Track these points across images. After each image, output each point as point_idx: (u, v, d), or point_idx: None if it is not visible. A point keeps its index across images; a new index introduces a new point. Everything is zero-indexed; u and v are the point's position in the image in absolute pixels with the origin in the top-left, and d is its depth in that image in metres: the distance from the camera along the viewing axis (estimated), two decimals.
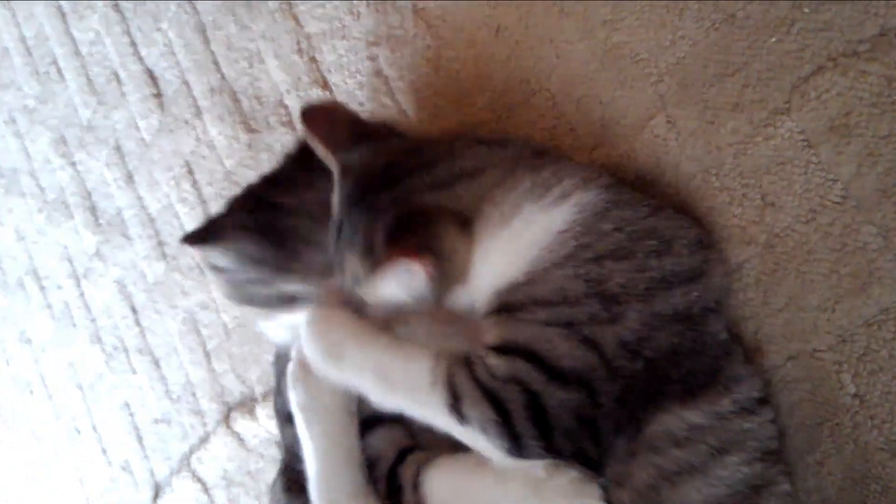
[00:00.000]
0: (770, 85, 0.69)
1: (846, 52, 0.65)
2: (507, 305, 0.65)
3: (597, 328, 0.61)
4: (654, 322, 0.62)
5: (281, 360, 0.88)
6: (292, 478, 0.85)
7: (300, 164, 0.83)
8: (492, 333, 0.65)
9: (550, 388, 0.60)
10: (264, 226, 0.79)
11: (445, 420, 0.63)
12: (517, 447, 0.60)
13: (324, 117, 0.79)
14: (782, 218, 0.70)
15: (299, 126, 1.08)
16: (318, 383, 0.74)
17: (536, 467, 0.63)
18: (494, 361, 0.63)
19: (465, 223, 0.68)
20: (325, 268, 0.75)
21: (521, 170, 0.69)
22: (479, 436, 0.61)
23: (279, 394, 0.89)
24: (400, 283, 0.66)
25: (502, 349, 0.64)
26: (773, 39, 0.69)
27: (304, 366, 0.75)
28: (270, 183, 0.85)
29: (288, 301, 0.80)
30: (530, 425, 0.59)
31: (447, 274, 0.67)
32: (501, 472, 0.64)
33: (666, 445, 0.62)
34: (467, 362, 0.64)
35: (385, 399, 0.67)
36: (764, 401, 0.67)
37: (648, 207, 0.67)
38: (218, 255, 0.82)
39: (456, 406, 0.61)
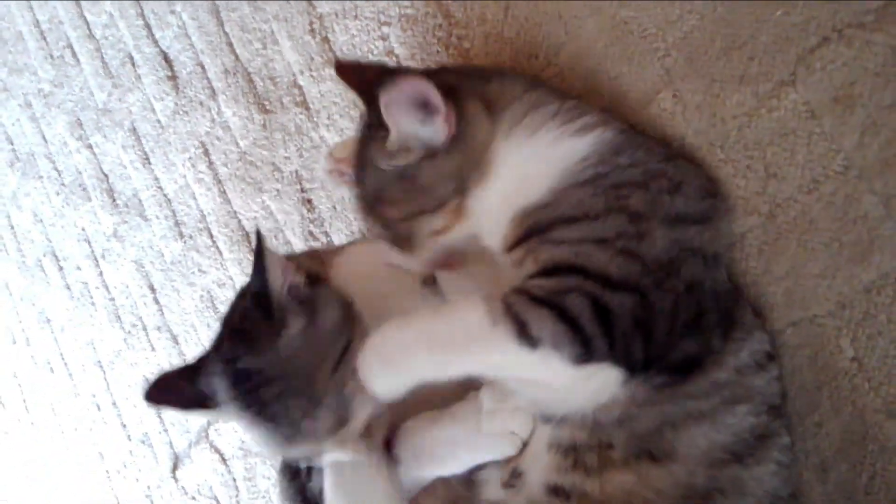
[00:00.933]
0: (776, 57, 0.70)
1: (851, 23, 0.66)
2: (533, 229, 0.66)
3: (628, 243, 0.62)
4: (679, 249, 0.64)
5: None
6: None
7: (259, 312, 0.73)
8: (528, 263, 0.65)
9: (605, 292, 0.61)
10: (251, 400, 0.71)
11: (514, 354, 0.61)
12: (587, 351, 0.60)
13: (353, 68, 0.81)
14: (785, 188, 0.71)
15: (313, 106, 1.10)
16: (360, 481, 0.72)
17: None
18: (545, 283, 0.63)
19: (491, 109, 0.72)
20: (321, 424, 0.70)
21: (549, 94, 0.74)
22: (550, 354, 0.60)
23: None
24: (415, 114, 0.66)
25: (546, 273, 0.64)
26: (780, 12, 0.70)
27: (343, 483, 0.72)
28: (237, 342, 0.75)
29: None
30: (597, 325, 0.60)
31: (465, 141, 0.69)
32: (453, 411, 0.72)
33: (679, 398, 0.64)
34: (521, 291, 0.63)
35: (449, 369, 0.64)
36: (772, 356, 0.70)
37: (661, 153, 0.70)
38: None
39: (524, 332, 0.60)
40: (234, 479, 1.29)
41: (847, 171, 0.68)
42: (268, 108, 1.16)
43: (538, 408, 0.70)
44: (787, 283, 0.72)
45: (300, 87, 1.11)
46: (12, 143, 1.71)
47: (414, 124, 0.68)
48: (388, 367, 0.64)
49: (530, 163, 0.70)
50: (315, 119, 1.10)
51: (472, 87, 0.73)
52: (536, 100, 0.73)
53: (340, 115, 1.07)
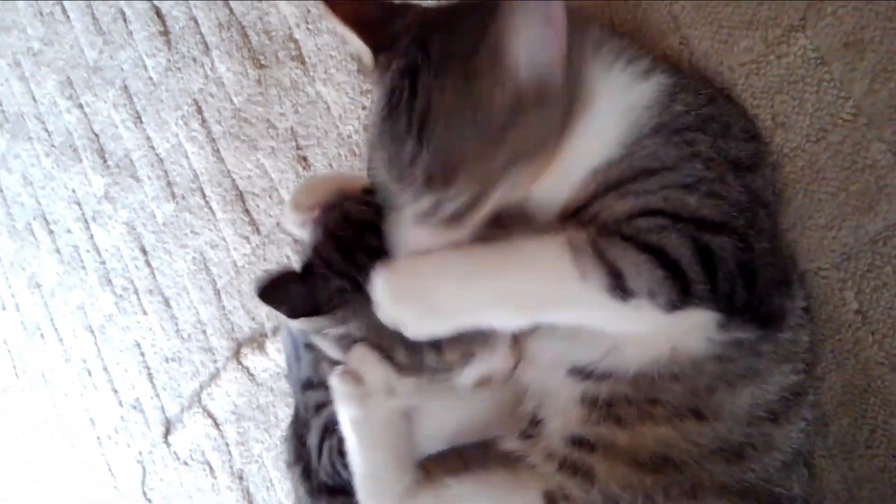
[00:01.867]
0: (785, 2, 0.69)
1: None
2: (612, 183, 0.60)
3: (711, 186, 0.59)
4: (749, 193, 0.61)
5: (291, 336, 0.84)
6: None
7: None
8: (614, 210, 0.59)
9: (704, 234, 0.57)
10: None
11: (603, 309, 0.56)
12: (686, 297, 0.55)
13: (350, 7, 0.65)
14: (792, 138, 0.70)
15: (309, 60, 1.08)
16: (374, 400, 0.67)
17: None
18: (639, 222, 0.57)
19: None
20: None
21: (604, 28, 0.67)
22: (642, 304, 0.55)
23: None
24: (532, 32, 0.53)
25: (636, 215, 0.58)
26: None
27: (351, 380, 0.67)
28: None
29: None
30: (700, 269, 0.55)
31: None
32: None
33: (744, 355, 0.61)
34: (609, 232, 0.57)
35: (518, 321, 0.60)
36: (808, 310, 0.68)
37: (706, 95, 0.66)
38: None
39: (618, 283, 0.55)
40: (227, 444, 1.27)
41: (856, 119, 0.67)
42: (263, 62, 1.13)
43: (587, 355, 0.65)
44: (793, 234, 0.70)
45: (296, 41, 1.09)
46: (1, 104, 1.67)
47: (538, 51, 0.55)
48: (430, 318, 0.58)
49: (607, 105, 0.61)
50: (311, 73, 1.07)
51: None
52: (602, 29, 0.66)
53: (337, 68, 1.04)
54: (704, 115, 0.64)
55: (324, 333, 0.70)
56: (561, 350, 0.67)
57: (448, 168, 0.56)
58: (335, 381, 0.68)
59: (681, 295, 0.55)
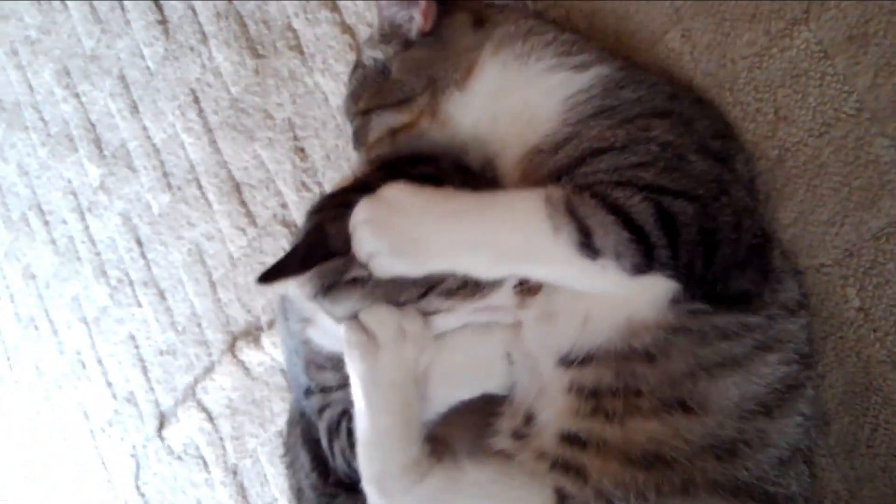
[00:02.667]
0: None
1: None
2: (560, 170, 0.63)
3: (669, 163, 0.60)
4: (717, 172, 0.61)
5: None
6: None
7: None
8: (576, 182, 0.61)
9: (665, 198, 0.58)
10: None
11: (572, 265, 0.57)
12: (649, 261, 0.57)
13: None
14: (795, 132, 0.69)
15: (307, 50, 1.07)
16: (385, 353, 0.66)
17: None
18: (609, 190, 0.59)
19: (481, 25, 0.72)
20: None
21: (546, 24, 0.73)
22: (609, 264, 0.57)
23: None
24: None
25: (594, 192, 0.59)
26: None
27: (361, 330, 0.66)
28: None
29: None
30: (663, 234, 0.57)
31: (442, 42, 0.72)
32: None
33: (712, 338, 0.61)
34: (586, 193, 0.58)
35: (492, 270, 0.60)
36: (802, 304, 0.67)
37: (666, 92, 0.67)
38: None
39: (587, 241, 0.57)
40: (221, 438, 1.26)
41: (859, 114, 0.66)
42: (260, 52, 1.12)
43: (561, 339, 0.65)
44: (795, 230, 0.70)
45: (294, 31, 1.08)
46: None
47: (393, 8, 0.72)
48: (407, 256, 0.58)
49: (527, 90, 0.67)
50: (310, 64, 1.06)
51: (468, 1, 0.74)
52: (532, 27, 0.72)
53: (336, 59, 1.03)
54: (660, 108, 0.65)
55: (322, 302, 0.67)
56: (547, 339, 0.67)
57: (349, 104, 0.80)
58: (345, 332, 0.66)
59: (645, 258, 0.57)
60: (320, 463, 0.81)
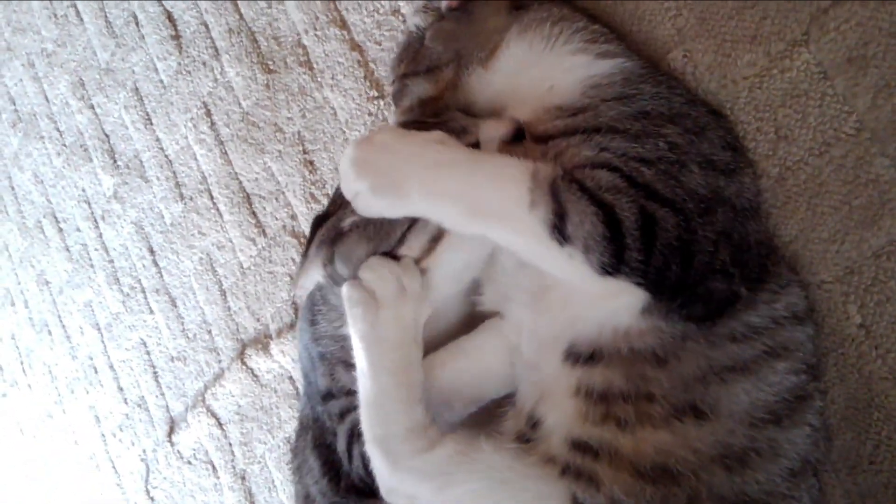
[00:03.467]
0: (789, 16, 0.69)
1: None
2: (580, 127, 0.63)
3: (670, 167, 0.60)
4: (713, 190, 0.61)
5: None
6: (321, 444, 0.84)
7: None
8: (577, 154, 0.62)
9: (652, 204, 0.58)
10: None
11: (539, 243, 0.58)
12: (618, 262, 0.57)
13: None
14: (795, 151, 0.70)
15: (317, 66, 1.09)
16: (387, 311, 0.66)
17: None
18: (598, 173, 0.59)
19: (517, 9, 0.75)
20: None
21: (577, 13, 0.75)
22: (576, 256, 0.57)
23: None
24: None
25: (598, 166, 0.60)
26: None
27: (362, 288, 0.67)
28: None
29: None
30: (638, 237, 0.57)
31: (471, 18, 0.75)
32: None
33: (722, 340, 0.61)
34: (570, 177, 0.59)
35: (463, 225, 0.61)
36: (809, 314, 0.67)
37: (684, 95, 0.68)
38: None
39: (559, 226, 0.57)
40: (230, 444, 1.28)
41: (859, 134, 0.67)
42: (271, 67, 1.14)
43: (560, 329, 0.65)
44: (796, 246, 0.70)
45: (304, 47, 1.10)
46: (14, 104, 1.70)
47: None
48: (389, 195, 0.59)
49: (548, 65, 0.69)
50: (319, 79, 1.08)
51: None
52: (564, 14, 0.73)
53: (344, 75, 1.05)
54: (677, 109, 0.66)
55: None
56: (545, 329, 0.66)
57: (393, 68, 0.83)
58: (346, 290, 0.67)
59: (614, 258, 0.57)
60: (332, 468, 0.82)
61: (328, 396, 0.81)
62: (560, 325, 0.65)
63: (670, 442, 0.60)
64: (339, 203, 0.75)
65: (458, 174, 0.60)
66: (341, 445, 0.80)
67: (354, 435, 0.77)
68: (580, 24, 0.73)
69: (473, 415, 0.74)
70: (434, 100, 0.76)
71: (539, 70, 0.70)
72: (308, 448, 0.87)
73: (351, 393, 0.78)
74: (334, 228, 0.71)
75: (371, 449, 0.67)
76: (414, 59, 0.79)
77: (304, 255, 0.75)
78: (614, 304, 0.61)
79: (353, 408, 0.77)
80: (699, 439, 0.60)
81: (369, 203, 0.61)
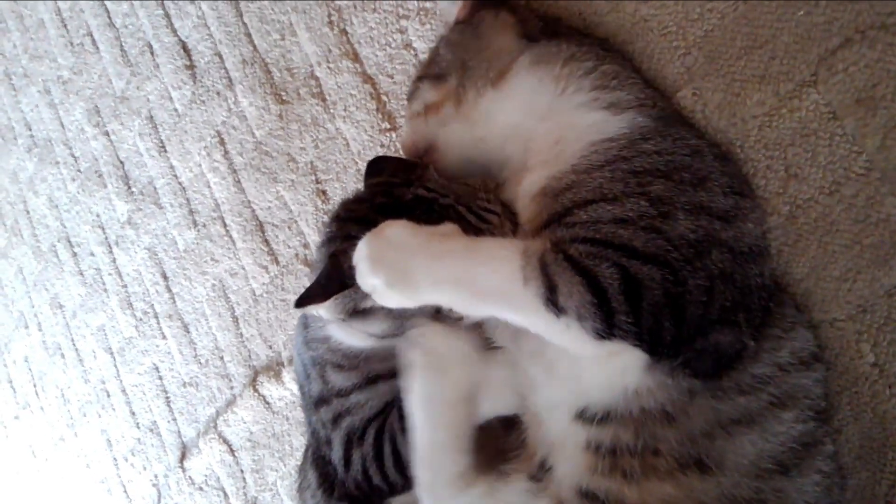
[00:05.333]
0: (797, 57, 0.70)
1: (875, 24, 0.66)
2: (553, 217, 0.65)
3: (652, 221, 0.61)
4: (706, 233, 0.62)
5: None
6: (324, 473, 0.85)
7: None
8: (559, 234, 0.64)
9: (634, 263, 0.59)
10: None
11: (538, 317, 0.60)
12: (608, 326, 0.59)
13: None
14: (805, 189, 0.71)
15: (329, 97, 1.10)
16: (447, 375, 0.71)
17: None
18: (581, 247, 0.61)
19: (526, 36, 0.76)
20: None
21: (592, 51, 0.75)
22: (572, 324, 0.59)
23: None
24: None
25: (575, 239, 0.62)
26: (802, 12, 0.69)
27: (427, 353, 0.71)
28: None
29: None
30: (624, 300, 0.58)
31: (477, 33, 0.77)
32: None
33: (730, 394, 0.62)
34: (557, 249, 0.61)
35: (472, 308, 0.64)
36: (817, 357, 0.67)
37: (689, 147, 0.68)
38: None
39: (552, 298, 0.59)
40: (242, 471, 1.29)
41: (869, 174, 0.67)
42: (284, 98, 1.16)
43: (571, 395, 0.67)
44: (807, 284, 0.71)
45: (317, 79, 1.11)
46: (30, 129, 1.72)
47: None
48: (401, 288, 0.62)
49: (560, 124, 0.70)
50: (331, 110, 1.10)
51: (519, 9, 0.79)
52: (574, 53, 0.74)
53: (357, 106, 1.06)
54: (678, 164, 0.66)
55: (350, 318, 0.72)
56: (557, 394, 0.68)
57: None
58: (411, 354, 0.71)
59: (604, 323, 0.58)
60: (326, 479, 0.83)
61: (320, 402, 0.82)
62: (572, 391, 0.67)
63: (674, 495, 0.61)
64: (340, 228, 0.76)
65: (459, 262, 0.62)
66: (337, 453, 0.80)
67: (353, 440, 0.79)
68: (590, 64, 0.73)
69: (485, 450, 0.76)
70: (436, 106, 0.77)
71: (550, 126, 0.71)
72: (308, 462, 0.88)
73: (341, 394, 0.80)
74: (352, 302, 0.72)
75: (420, 493, 0.72)
76: (429, 63, 0.81)
77: (318, 284, 0.75)
78: (618, 365, 0.62)
79: (346, 411, 0.79)
80: (704, 492, 0.61)
81: (386, 297, 0.63)
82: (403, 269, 0.62)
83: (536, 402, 0.71)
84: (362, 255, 0.63)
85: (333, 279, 0.68)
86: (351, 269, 0.65)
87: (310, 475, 0.87)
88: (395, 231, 0.64)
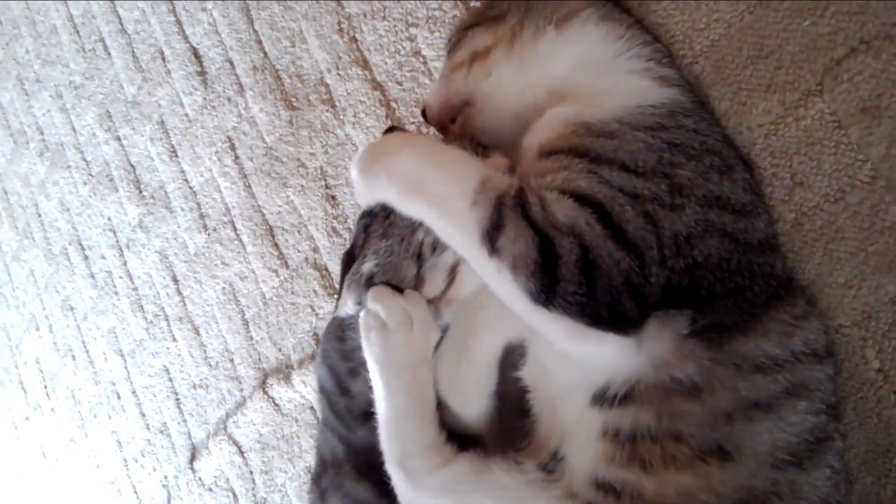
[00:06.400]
0: (803, 67, 0.71)
1: (880, 34, 0.67)
2: (582, 151, 0.64)
3: (658, 209, 0.61)
4: (707, 228, 0.62)
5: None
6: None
7: None
8: (560, 175, 0.63)
9: (608, 244, 0.59)
10: None
11: (472, 246, 0.60)
12: (547, 292, 0.58)
13: None
14: (811, 197, 0.71)
15: (339, 104, 1.12)
16: (398, 335, 0.71)
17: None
18: (557, 203, 0.61)
19: None
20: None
21: (644, 29, 0.76)
22: (503, 271, 0.59)
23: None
24: None
25: (570, 195, 0.62)
26: (807, 22, 0.70)
27: (376, 316, 0.72)
28: None
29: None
30: (578, 273, 0.57)
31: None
32: None
33: (748, 367, 0.61)
34: (520, 200, 0.61)
35: (413, 208, 0.64)
36: (829, 352, 0.68)
37: (722, 134, 0.71)
38: None
39: (492, 234, 0.59)
40: (251, 472, 1.30)
41: (874, 182, 0.68)
42: (294, 104, 1.18)
43: (589, 375, 0.65)
44: (813, 291, 0.72)
45: (327, 85, 1.13)
46: (42, 133, 1.74)
47: None
48: (366, 171, 0.66)
49: (610, 80, 0.70)
50: (341, 117, 1.11)
51: None
52: (634, 23, 0.75)
53: (366, 113, 1.08)
54: (709, 146, 0.67)
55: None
56: (575, 376, 0.67)
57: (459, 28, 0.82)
58: (361, 319, 0.74)
59: (543, 287, 0.58)
60: (386, 489, 0.81)
61: (371, 415, 0.81)
62: (590, 370, 0.65)
63: (693, 485, 0.61)
64: (358, 240, 0.78)
65: (420, 160, 0.65)
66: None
67: None
68: (648, 37, 0.75)
69: (495, 439, 0.76)
70: (485, 52, 0.76)
71: (602, 74, 0.71)
72: (348, 480, 0.86)
73: None
74: (357, 272, 0.75)
75: (391, 468, 0.71)
76: (482, 10, 0.80)
77: (338, 293, 0.79)
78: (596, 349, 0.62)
79: None
80: (722, 482, 0.60)
81: (356, 187, 0.68)
82: (374, 160, 0.66)
83: (550, 390, 0.70)
84: (358, 159, 0.68)
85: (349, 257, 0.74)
86: (358, 238, 0.72)
87: (357, 492, 0.84)
88: (392, 136, 0.69)
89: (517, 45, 0.74)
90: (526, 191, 0.62)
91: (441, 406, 0.74)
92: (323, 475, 0.90)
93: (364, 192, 0.68)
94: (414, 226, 0.72)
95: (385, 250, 0.74)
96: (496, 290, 0.62)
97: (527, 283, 0.58)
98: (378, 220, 0.75)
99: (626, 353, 0.61)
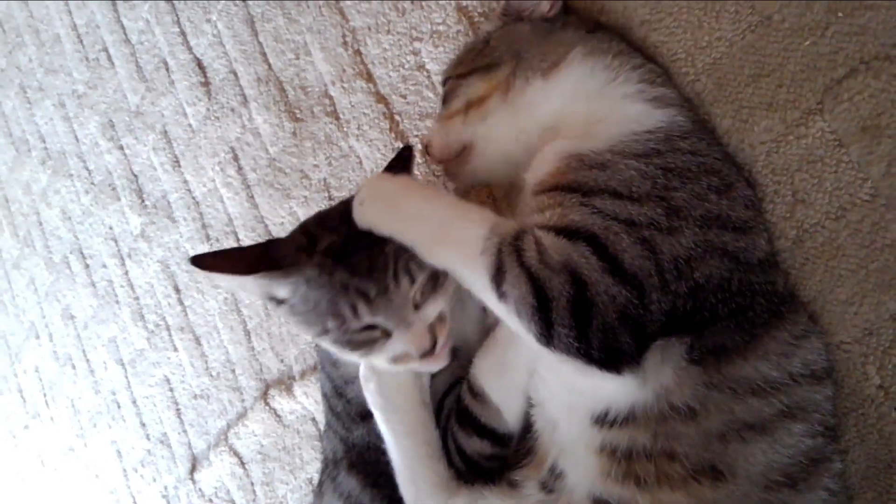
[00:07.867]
0: (804, 86, 0.72)
1: (879, 55, 0.68)
2: (578, 185, 0.66)
3: (656, 234, 0.62)
4: (707, 249, 0.63)
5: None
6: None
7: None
8: (555, 213, 0.65)
9: (605, 278, 0.60)
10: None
11: (484, 290, 0.63)
12: (547, 335, 0.60)
13: None
14: (812, 214, 0.72)
15: (343, 116, 1.12)
16: (390, 381, 0.76)
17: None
18: (551, 243, 0.62)
19: (587, 30, 0.79)
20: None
21: (638, 52, 0.78)
22: (512, 314, 0.61)
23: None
24: None
25: (564, 231, 0.63)
26: (808, 42, 0.71)
27: (373, 368, 0.77)
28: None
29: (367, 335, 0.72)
30: (568, 315, 0.59)
31: (550, 29, 0.79)
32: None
33: (744, 391, 0.62)
34: (517, 246, 0.63)
35: (431, 254, 0.67)
36: (828, 372, 0.68)
37: (721, 152, 0.72)
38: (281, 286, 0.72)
39: (497, 279, 0.61)
40: (252, 483, 1.30)
41: (874, 200, 0.69)
42: (298, 116, 1.18)
43: (591, 400, 0.67)
44: (814, 307, 0.72)
45: (331, 98, 1.13)
46: (45, 142, 1.75)
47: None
48: (380, 218, 0.68)
49: (603, 108, 0.72)
50: (345, 129, 1.12)
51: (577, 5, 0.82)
52: (623, 48, 0.77)
53: (370, 125, 1.08)
54: (709, 166, 0.68)
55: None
56: (577, 400, 0.68)
57: (449, 72, 0.85)
58: (360, 372, 0.79)
59: (544, 331, 0.60)
60: (373, 482, 0.85)
61: (368, 415, 0.83)
62: (593, 396, 0.67)
63: (686, 503, 0.62)
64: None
65: (437, 215, 0.68)
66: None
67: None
68: (638, 60, 0.76)
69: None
70: (481, 100, 0.78)
71: (594, 104, 0.73)
72: (342, 473, 0.89)
73: None
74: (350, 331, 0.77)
75: None
76: (475, 58, 0.82)
77: (226, 260, 0.80)
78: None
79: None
80: (714, 502, 0.62)
81: (362, 213, 0.69)
82: (387, 198, 0.69)
83: (553, 407, 0.72)
84: (363, 189, 0.71)
85: (261, 257, 0.74)
86: (283, 252, 0.73)
87: (345, 484, 0.88)
88: (394, 178, 0.72)
89: (510, 94, 0.77)
90: (522, 234, 0.64)
91: (482, 400, 0.77)
92: (324, 473, 0.92)
93: (366, 214, 0.69)
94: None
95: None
96: (513, 330, 0.64)
97: (529, 326, 0.61)
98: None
99: (631, 387, 0.63)
